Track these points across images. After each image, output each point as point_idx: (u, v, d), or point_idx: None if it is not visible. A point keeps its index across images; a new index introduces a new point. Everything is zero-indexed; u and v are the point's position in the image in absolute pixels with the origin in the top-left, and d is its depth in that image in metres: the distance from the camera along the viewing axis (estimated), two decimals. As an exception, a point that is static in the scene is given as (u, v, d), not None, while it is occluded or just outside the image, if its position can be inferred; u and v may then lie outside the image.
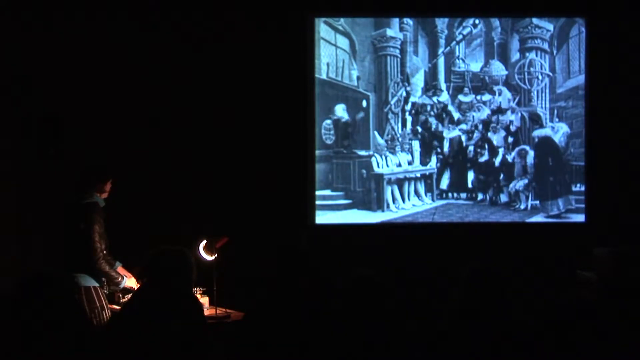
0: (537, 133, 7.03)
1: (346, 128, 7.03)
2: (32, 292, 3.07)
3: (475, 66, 7.08)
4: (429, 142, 7.06)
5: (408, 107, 7.06)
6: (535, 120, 7.02)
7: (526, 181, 7.02)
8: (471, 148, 7.06)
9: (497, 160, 7.05)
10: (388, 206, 7.04)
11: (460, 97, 7.05)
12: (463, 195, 7.06)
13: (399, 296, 3.65)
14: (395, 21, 7.05)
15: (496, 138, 7.05)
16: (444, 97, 7.06)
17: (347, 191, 7.05)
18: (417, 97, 7.06)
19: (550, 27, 7.05)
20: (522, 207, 7.00)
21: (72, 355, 3.04)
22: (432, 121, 7.06)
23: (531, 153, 7.02)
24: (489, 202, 7.05)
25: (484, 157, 7.06)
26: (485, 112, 7.04)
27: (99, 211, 5.26)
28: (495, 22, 7.08)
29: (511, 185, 7.03)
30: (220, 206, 6.64)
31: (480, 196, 7.06)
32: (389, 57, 7.07)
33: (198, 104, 6.78)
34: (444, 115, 7.06)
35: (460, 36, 7.08)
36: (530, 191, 7.01)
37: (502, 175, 7.05)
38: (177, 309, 3.51)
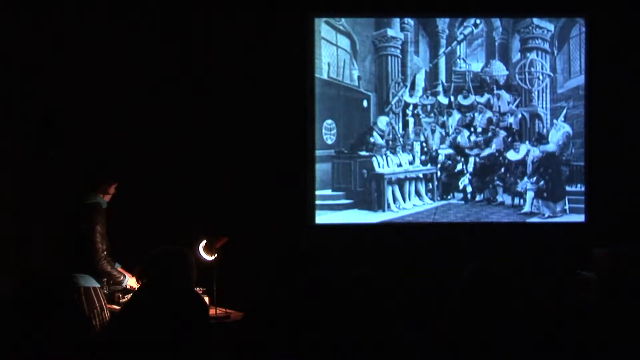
0: (538, 132, 7.04)
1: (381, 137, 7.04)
2: (32, 292, 3.07)
3: (476, 66, 7.08)
4: (429, 142, 7.06)
5: (409, 107, 7.06)
6: (538, 119, 7.04)
7: (527, 182, 7.03)
8: (470, 149, 7.06)
9: (497, 161, 7.05)
10: (389, 206, 7.03)
11: (460, 99, 7.05)
12: (461, 195, 7.07)
13: (399, 296, 3.65)
14: (396, 21, 7.05)
15: (496, 139, 7.05)
16: (445, 97, 7.05)
17: (347, 191, 7.05)
18: (417, 97, 7.06)
19: (551, 27, 7.04)
20: (527, 209, 6.99)
21: (72, 356, 3.04)
22: (432, 122, 7.06)
23: (531, 154, 7.02)
24: (489, 203, 7.05)
25: (484, 158, 7.06)
26: (487, 115, 7.04)
27: (101, 212, 5.27)
28: (497, 22, 7.08)
29: (511, 186, 7.04)
30: (220, 206, 6.63)
31: (479, 196, 7.06)
32: (389, 57, 7.07)
33: (198, 104, 6.78)
34: (444, 116, 7.06)
35: (462, 36, 7.08)
36: (533, 192, 7.01)
37: (502, 176, 7.04)
38: (178, 309, 3.51)
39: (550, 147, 7.04)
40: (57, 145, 6.54)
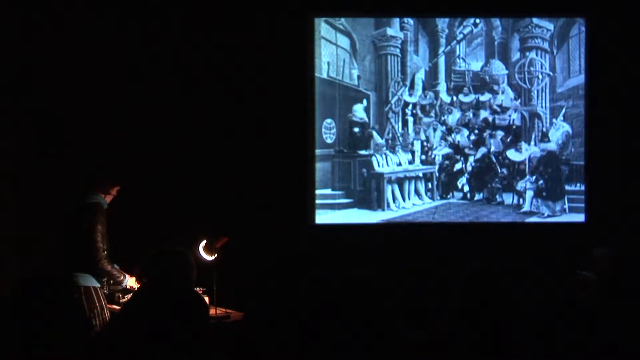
0: (537, 131, 7.04)
1: (364, 130, 7.02)
2: (32, 292, 3.07)
3: (476, 65, 7.08)
4: (429, 141, 7.06)
5: (409, 107, 7.06)
6: (538, 119, 7.04)
7: (527, 182, 7.03)
8: (470, 148, 7.06)
9: (497, 160, 7.05)
10: (388, 205, 7.04)
11: (461, 97, 7.05)
12: (461, 194, 7.07)
13: (399, 296, 3.65)
14: (396, 20, 7.05)
15: (494, 139, 7.05)
16: (444, 96, 7.06)
17: (347, 190, 7.05)
18: (417, 96, 7.06)
19: (551, 26, 7.04)
20: (526, 208, 6.99)
21: (72, 356, 3.04)
22: (433, 120, 7.06)
23: (531, 153, 7.02)
24: (489, 202, 7.05)
25: (483, 157, 7.06)
26: (485, 113, 7.04)
27: (102, 211, 5.27)
28: (496, 21, 7.08)
29: (511, 185, 7.04)
30: (220, 206, 6.63)
31: (479, 196, 7.06)
32: (389, 57, 7.07)
33: (198, 103, 6.78)
34: (444, 115, 7.06)
35: (461, 35, 7.08)
36: (532, 191, 7.01)
37: (501, 176, 7.05)
38: (178, 309, 3.51)
39: (550, 146, 7.03)
40: (57, 145, 6.54)
